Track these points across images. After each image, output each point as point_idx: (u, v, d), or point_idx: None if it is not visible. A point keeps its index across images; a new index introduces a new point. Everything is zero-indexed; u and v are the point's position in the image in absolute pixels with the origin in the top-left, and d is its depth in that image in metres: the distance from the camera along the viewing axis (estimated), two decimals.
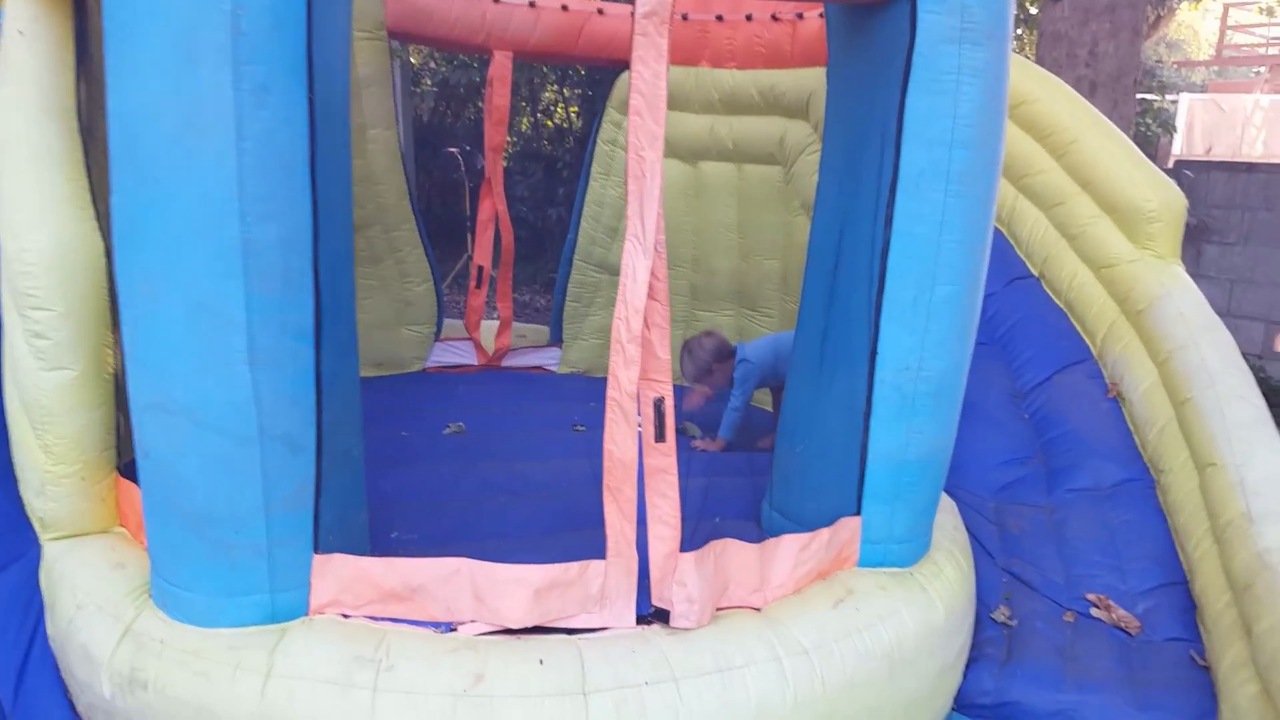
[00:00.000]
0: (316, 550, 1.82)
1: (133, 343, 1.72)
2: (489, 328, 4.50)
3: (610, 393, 1.81)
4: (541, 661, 1.75)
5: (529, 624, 1.84)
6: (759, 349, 3.37)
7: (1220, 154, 12.06)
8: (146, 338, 1.70)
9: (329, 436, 1.81)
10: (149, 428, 1.74)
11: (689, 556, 1.88)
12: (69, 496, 2.04)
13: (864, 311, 2.08)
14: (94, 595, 1.89)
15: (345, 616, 1.84)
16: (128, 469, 2.04)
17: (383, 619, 1.83)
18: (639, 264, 1.78)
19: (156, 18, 1.54)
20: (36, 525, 2.08)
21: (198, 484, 1.73)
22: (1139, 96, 8.38)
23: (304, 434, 1.76)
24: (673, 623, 1.88)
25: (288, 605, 1.80)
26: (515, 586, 1.84)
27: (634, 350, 1.78)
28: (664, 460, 1.86)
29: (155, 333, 1.68)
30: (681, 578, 1.87)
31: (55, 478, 2.02)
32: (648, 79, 1.73)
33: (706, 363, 3.38)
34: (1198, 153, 12.29)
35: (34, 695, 1.89)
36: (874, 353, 2.07)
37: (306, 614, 1.82)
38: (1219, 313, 3.22)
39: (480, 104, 7.82)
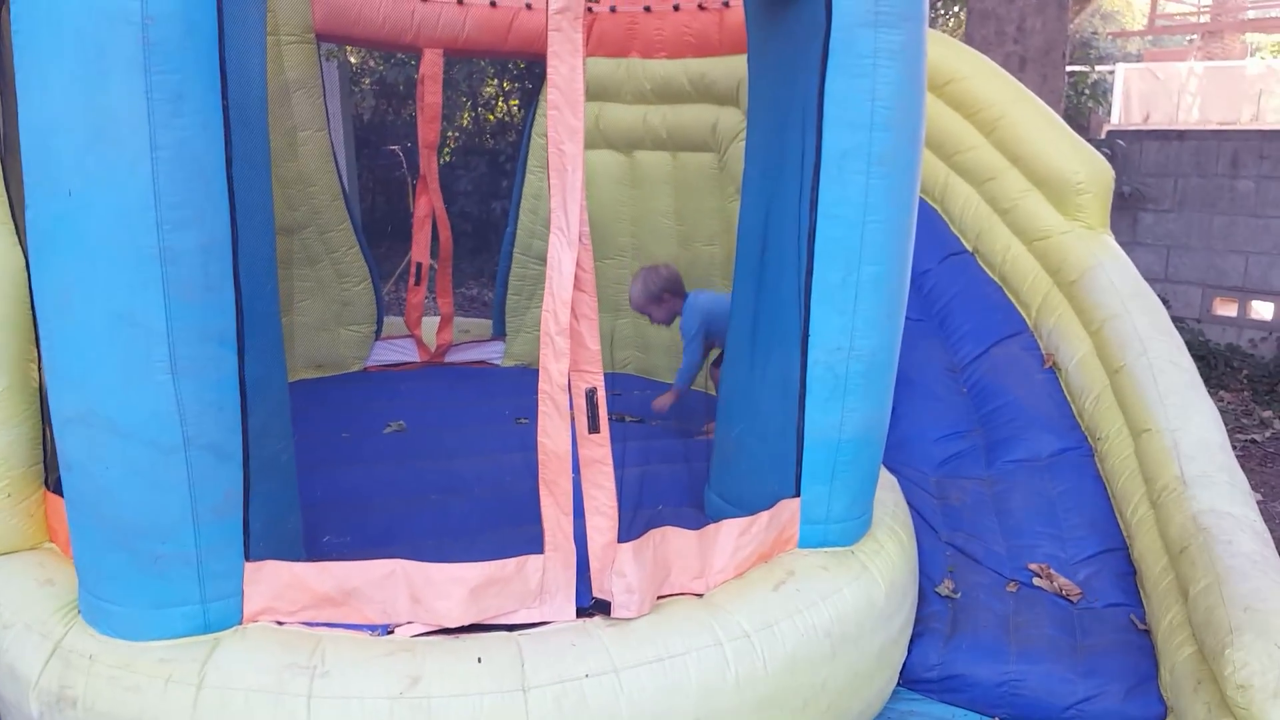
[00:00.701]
0: (248, 558, 1.79)
1: (52, 355, 1.68)
2: (431, 324, 4.47)
3: (542, 385, 1.81)
4: (480, 660, 1.75)
5: (467, 623, 1.84)
6: (710, 299, 3.32)
7: (1158, 122, 12.31)
8: (66, 350, 1.66)
9: (256, 442, 1.78)
10: (72, 441, 1.70)
11: (627, 546, 1.89)
12: None
13: (794, 293, 2.11)
14: (22, 613, 1.85)
15: (280, 624, 1.82)
16: (57, 485, 2.00)
17: (318, 624, 1.81)
18: (564, 256, 1.78)
19: (65, 30, 1.51)
20: None
21: (123, 496, 1.69)
22: (1071, 69, 8.54)
23: (230, 441, 1.73)
24: (613, 613, 1.89)
25: (220, 615, 1.78)
26: (452, 586, 1.83)
27: (563, 343, 1.79)
28: (599, 451, 1.87)
29: (74, 345, 1.64)
30: (620, 568, 1.88)
31: None
32: (564, 74, 1.73)
33: (657, 291, 3.35)
34: (1136, 121, 12.54)
35: None
36: (806, 334, 2.09)
37: (240, 623, 1.80)
38: (1156, 279, 3.31)
39: None
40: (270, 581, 1.80)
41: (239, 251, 1.68)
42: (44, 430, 2.06)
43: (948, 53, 3.64)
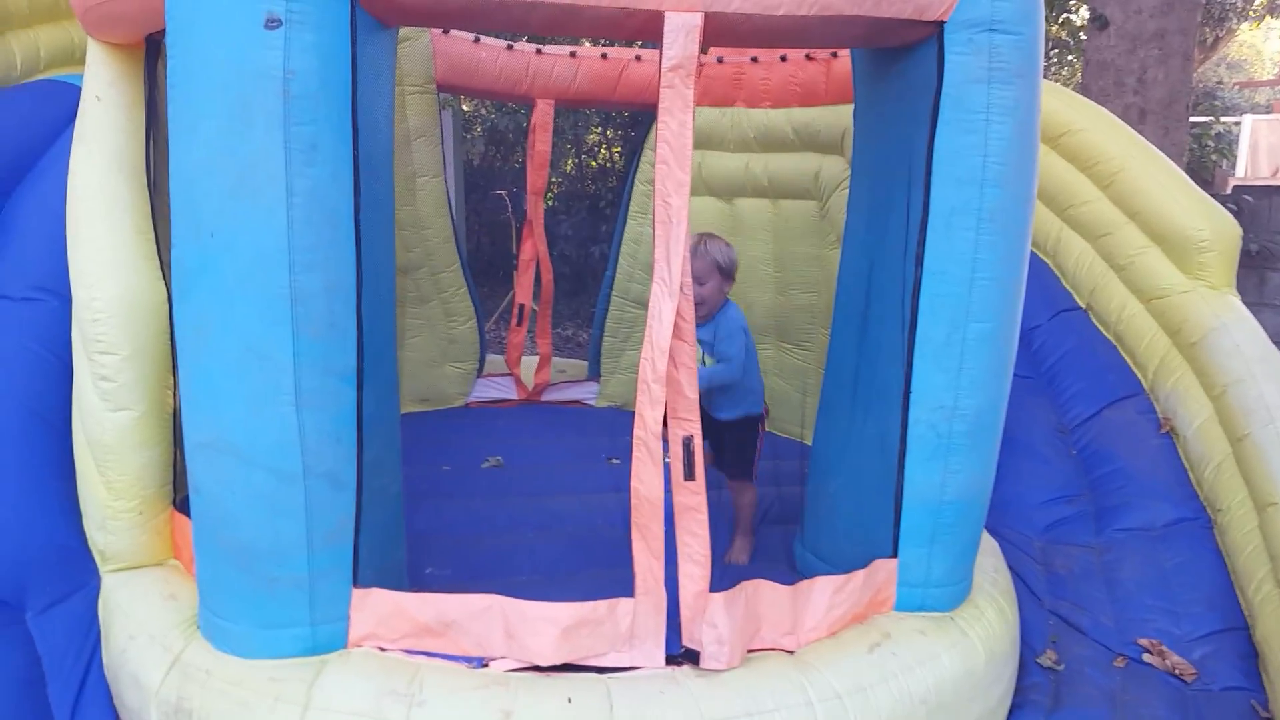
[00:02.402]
0: (355, 584, 1.87)
1: (187, 384, 1.81)
2: (529, 363, 4.59)
3: (637, 432, 1.84)
4: (570, 700, 1.76)
5: (558, 661, 1.87)
6: (742, 321, 2.85)
7: None
8: (200, 380, 1.79)
9: (369, 474, 1.87)
10: (200, 465, 1.83)
11: (719, 597, 1.89)
12: (128, 530, 2.14)
13: (896, 350, 2.09)
14: (146, 626, 1.97)
15: (382, 649, 1.88)
16: (183, 504, 2.13)
17: (418, 653, 1.87)
18: (664, 306, 1.82)
19: (214, 84, 1.65)
20: (97, 557, 2.17)
21: (244, 519, 1.80)
22: (1195, 120, 8.21)
23: (346, 472, 1.82)
24: (703, 664, 1.88)
25: (327, 638, 1.86)
26: (544, 624, 1.86)
27: (659, 390, 1.81)
28: (694, 499, 1.88)
29: (208, 375, 1.77)
30: (712, 618, 1.88)
31: (116, 512, 2.12)
32: (674, 129, 1.78)
33: (711, 264, 2.72)
34: (1264, 175, 11.91)
35: None
36: (907, 392, 2.06)
37: (345, 646, 1.87)
38: None
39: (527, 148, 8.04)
40: (375, 609, 1.87)
41: (362, 292, 1.79)
42: (175, 453, 2.21)
43: (1063, 104, 3.57)
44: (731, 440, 2.87)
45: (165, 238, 2.10)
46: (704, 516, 1.89)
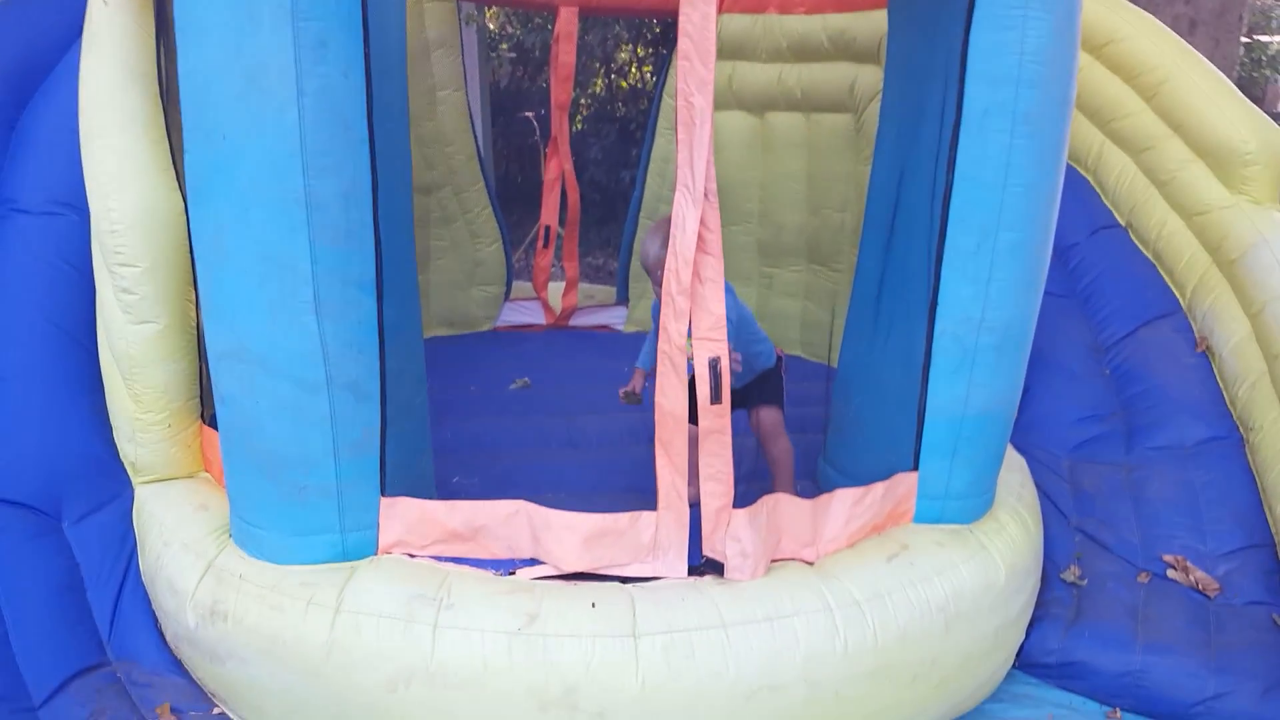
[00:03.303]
0: (383, 493, 1.90)
1: (207, 294, 1.82)
2: (556, 288, 4.55)
3: (661, 345, 1.82)
4: (594, 605, 1.80)
5: (581, 568, 1.89)
6: (735, 299, 2.65)
7: None
8: (220, 289, 1.79)
9: (392, 385, 1.88)
10: (225, 375, 1.84)
11: (742, 512, 1.89)
12: (157, 443, 2.18)
13: (923, 260, 2.04)
14: (179, 534, 2.02)
15: (411, 556, 1.92)
16: (212, 419, 2.17)
17: (446, 559, 1.90)
18: (688, 214, 1.78)
19: None
20: (129, 469, 2.23)
21: (271, 429, 1.82)
22: (1256, 39, 7.83)
23: (369, 382, 1.83)
24: (727, 575, 1.90)
25: (357, 545, 1.90)
26: (567, 533, 1.89)
27: (684, 302, 1.79)
28: (718, 421, 1.86)
29: (227, 284, 1.77)
30: (735, 532, 1.88)
31: (145, 425, 2.16)
32: (696, 21, 1.71)
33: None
34: None
35: (127, 624, 2.04)
36: (934, 303, 2.02)
37: (375, 553, 1.91)
38: None
39: None
40: (404, 516, 1.90)
41: (379, 200, 1.76)
42: (200, 367, 2.24)
43: (1109, 10, 3.40)
44: (756, 398, 2.71)
45: (180, 147, 2.09)
46: (728, 438, 1.87)
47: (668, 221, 2.34)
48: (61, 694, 1.89)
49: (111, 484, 2.19)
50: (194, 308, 2.18)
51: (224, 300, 1.78)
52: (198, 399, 2.25)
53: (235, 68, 1.62)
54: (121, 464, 2.23)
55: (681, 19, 1.73)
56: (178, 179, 2.14)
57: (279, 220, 1.68)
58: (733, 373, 2.01)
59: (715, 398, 1.84)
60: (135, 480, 2.21)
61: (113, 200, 2.05)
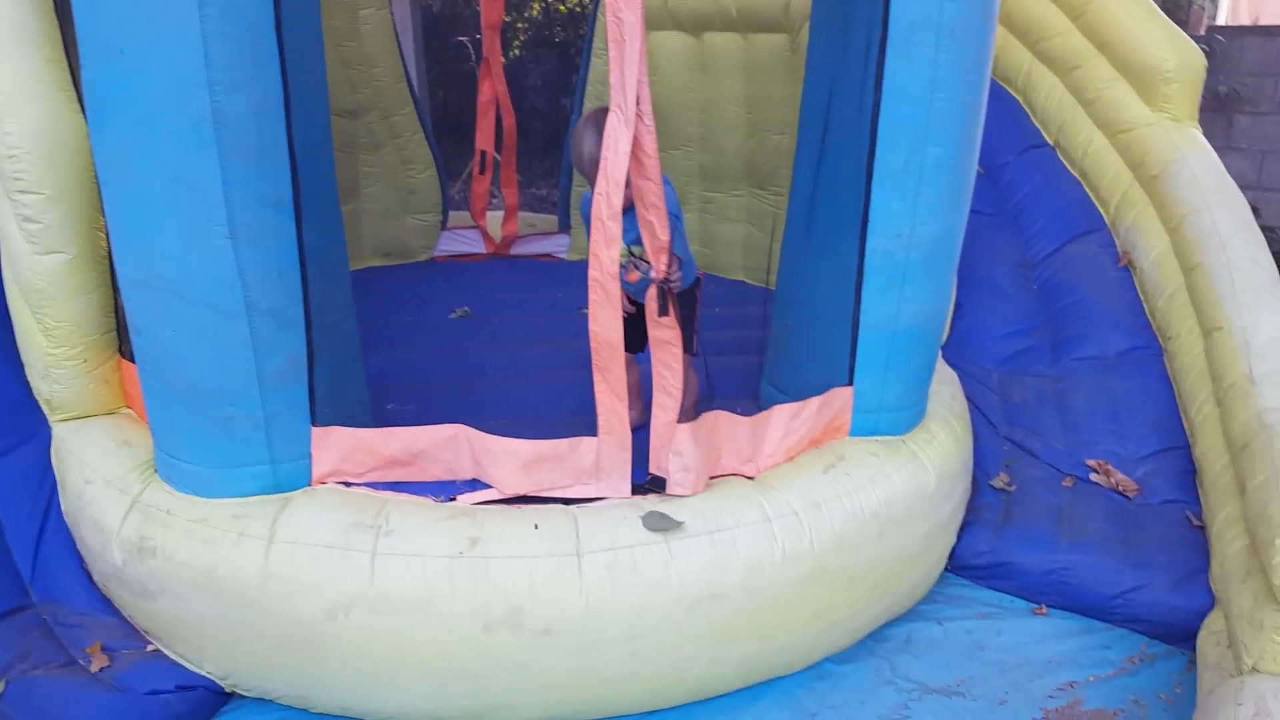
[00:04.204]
0: (314, 422, 1.86)
1: (115, 220, 1.73)
2: (495, 217, 4.47)
3: (592, 272, 1.79)
4: (536, 526, 1.80)
5: (521, 491, 1.89)
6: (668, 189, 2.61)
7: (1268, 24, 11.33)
8: (128, 214, 1.70)
9: (318, 311, 1.82)
10: (138, 304, 1.77)
11: (685, 427, 1.90)
12: (73, 379, 2.10)
13: (854, 177, 2.03)
14: (101, 471, 1.96)
15: (347, 485, 1.89)
16: (130, 354, 2.08)
17: (384, 486, 1.88)
18: (620, 135, 1.72)
19: None
20: (44, 407, 2.14)
21: (190, 359, 1.76)
22: None
23: (291, 308, 1.77)
24: (669, 490, 1.92)
25: (290, 476, 1.86)
26: (507, 457, 1.88)
27: (614, 227, 1.75)
28: (668, 333, 1.87)
29: (136, 209, 1.68)
30: (678, 447, 1.90)
31: (58, 360, 2.07)
32: None
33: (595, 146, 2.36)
34: (1242, 22, 11.58)
35: (51, 564, 1.98)
36: (865, 220, 2.03)
37: (309, 484, 1.88)
38: (1249, 186, 3.12)
39: None
40: (337, 445, 1.87)
41: (292, 118, 1.68)
42: (115, 298, 2.14)
43: None
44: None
45: (79, 65, 1.97)
46: (678, 350, 1.88)
47: (599, 113, 2.23)
48: None
49: (28, 422, 2.10)
50: (105, 236, 2.07)
51: (133, 226, 1.70)
52: (114, 332, 2.16)
53: None
54: (36, 403, 2.14)
55: None
56: (79, 100, 2.01)
57: (186, 140, 1.58)
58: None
59: (663, 311, 1.85)
60: (52, 418, 2.13)
61: (10, 123, 1.92)
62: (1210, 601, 2.17)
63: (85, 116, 1.95)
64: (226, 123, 1.59)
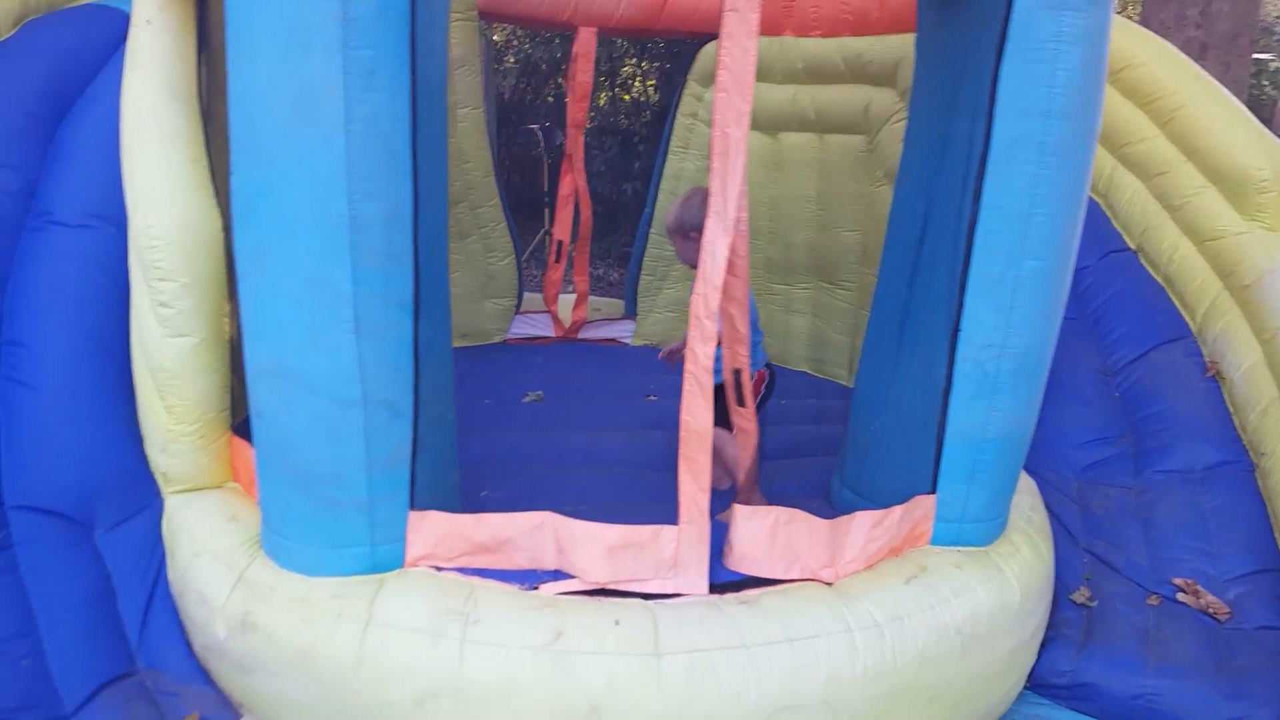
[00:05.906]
0: (412, 507, 1.93)
1: (249, 313, 1.85)
2: (566, 301, 4.61)
3: (688, 367, 1.86)
4: (617, 622, 1.82)
5: (604, 581, 1.92)
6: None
7: None
8: (261, 309, 1.83)
9: (425, 402, 1.91)
10: (262, 391, 1.88)
11: (763, 525, 1.94)
12: (189, 453, 2.21)
13: (947, 287, 2.07)
14: (210, 545, 2.05)
15: (438, 569, 1.95)
16: (240, 428, 2.20)
17: (472, 571, 1.93)
18: (719, 241, 1.82)
19: (273, 8, 1.64)
20: (159, 479, 2.25)
21: (306, 444, 1.85)
22: (1255, 57, 7.88)
23: (403, 399, 1.87)
24: (725, 559, 1.98)
25: (386, 557, 1.93)
26: (591, 544, 1.92)
27: (710, 326, 1.83)
28: (747, 423, 1.93)
29: (269, 304, 1.81)
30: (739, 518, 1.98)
31: (177, 436, 2.19)
32: (736, 56, 1.76)
33: (700, 220, 2.19)
34: None
35: (156, 634, 2.06)
36: (956, 329, 2.06)
37: (402, 566, 1.94)
38: None
39: (560, 80, 7.87)
40: (432, 529, 1.93)
41: (419, 221, 1.80)
42: (232, 378, 2.27)
43: (1123, 37, 3.44)
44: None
45: (220, 165, 2.13)
46: (754, 440, 1.95)
47: (699, 192, 2.44)
48: (93, 702, 1.91)
49: (143, 494, 2.22)
50: (228, 321, 2.21)
51: (265, 319, 1.82)
52: (229, 410, 2.28)
53: (285, 94, 1.65)
54: (152, 474, 2.25)
55: (722, 53, 1.77)
56: (217, 197, 2.17)
57: (323, 243, 1.71)
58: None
59: (740, 401, 1.96)
60: (165, 490, 2.24)
61: (153, 217, 2.08)
62: None
63: (222, 213, 2.12)
64: (360, 228, 1.71)
